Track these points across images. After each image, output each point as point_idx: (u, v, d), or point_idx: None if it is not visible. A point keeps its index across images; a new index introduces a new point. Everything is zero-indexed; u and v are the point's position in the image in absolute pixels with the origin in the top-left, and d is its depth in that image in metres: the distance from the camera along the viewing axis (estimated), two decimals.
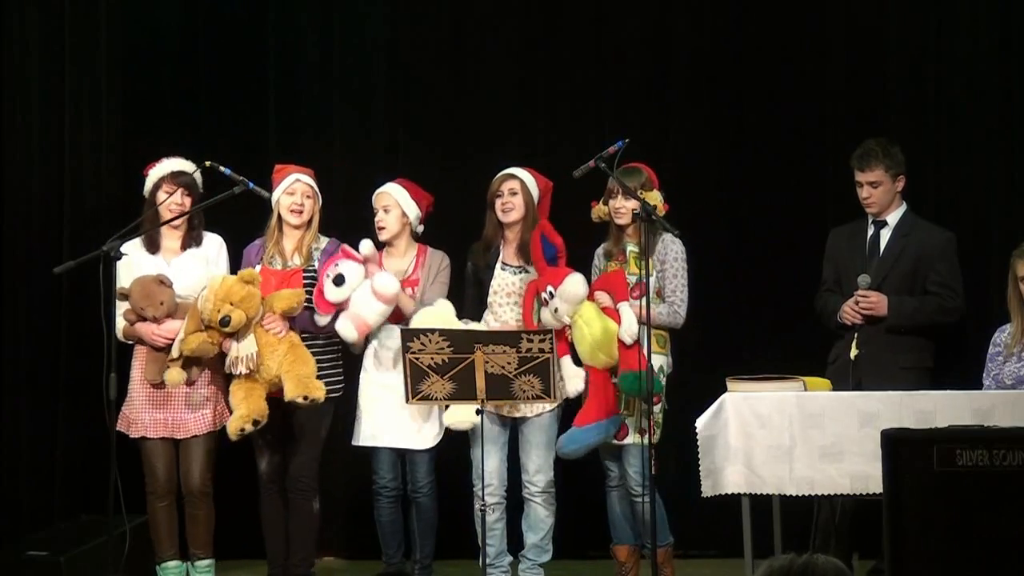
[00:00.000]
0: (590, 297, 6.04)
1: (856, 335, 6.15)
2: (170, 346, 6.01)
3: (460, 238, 6.46)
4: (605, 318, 5.99)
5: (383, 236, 6.30)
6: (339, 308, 6.11)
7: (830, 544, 6.12)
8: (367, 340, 6.24)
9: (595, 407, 6.02)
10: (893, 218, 6.30)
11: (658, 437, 5.98)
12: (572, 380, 6.03)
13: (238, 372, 5.97)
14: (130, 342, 6.16)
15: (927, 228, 6.31)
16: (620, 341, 5.95)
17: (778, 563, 2.97)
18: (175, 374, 5.98)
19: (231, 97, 7.36)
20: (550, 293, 6.01)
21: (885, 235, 6.29)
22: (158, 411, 6.09)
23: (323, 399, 6.00)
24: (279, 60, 7.36)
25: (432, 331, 5.57)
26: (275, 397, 6.03)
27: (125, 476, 5.64)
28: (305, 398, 5.94)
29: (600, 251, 6.33)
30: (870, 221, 6.31)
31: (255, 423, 5.96)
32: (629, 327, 5.95)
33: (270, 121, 7.35)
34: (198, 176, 6.18)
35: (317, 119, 7.38)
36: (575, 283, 6.01)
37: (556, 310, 5.98)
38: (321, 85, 7.38)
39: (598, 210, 6.20)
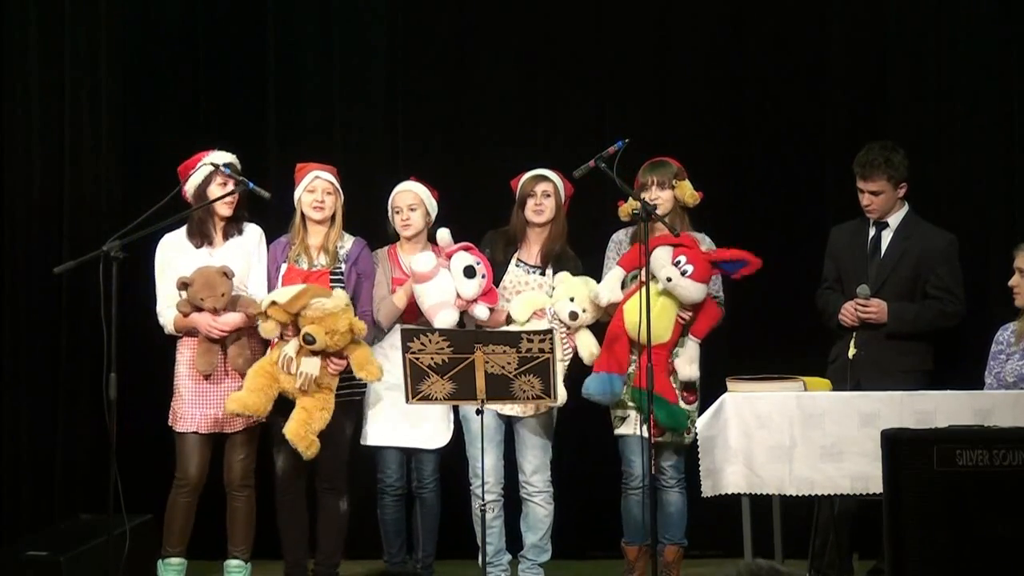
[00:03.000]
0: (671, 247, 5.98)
1: (855, 335, 6.15)
2: (222, 340, 6.04)
3: (459, 237, 6.45)
4: (667, 320, 5.94)
5: (408, 233, 6.29)
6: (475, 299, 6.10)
7: (829, 544, 6.12)
8: (373, 341, 6.25)
9: (622, 356, 5.99)
10: (895, 220, 6.29)
11: (692, 436, 5.96)
12: (614, 286, 6.01)
13: (288, 372, 5.95)
14: (179, 334, 6.15)
15: (928, 230, 6.29)
16: (675, 371, 5.98)
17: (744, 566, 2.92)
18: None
19: (231, 96, 7.36)
20: (682, 271, 5.90)
21: (886, 237, 6.28)
22: (208, 407, 6.10)
23: (306, 456, 6.00)
24: (279, 59, 7.35)
25: (432, 331, 5.57)
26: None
27: (126, 476, 5.63)
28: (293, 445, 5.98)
29: (624, 237, 6.25)
30: (872, 221, 6.30)
31: (249, 418, 6.00)
32: (691, 369, 6.00)
33: (270, 121, 7.35)
34: (238, 165, 6.18)
35: (317, 119, 7.38)
36: (697, 292, 5.94)
37: (669, 279, 5.88)
38: (321, 85, 7.38)
39: (626, 208, 6.12)
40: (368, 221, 6.46)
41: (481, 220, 6.48)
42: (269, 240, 6.31)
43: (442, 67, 7.34)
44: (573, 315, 6.07)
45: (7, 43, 7.29)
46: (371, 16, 7.35)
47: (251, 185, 5.91)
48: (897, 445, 4.76)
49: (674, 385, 6.01)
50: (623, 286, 6.05)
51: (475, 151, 7.21)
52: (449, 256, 6.10)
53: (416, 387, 5.56)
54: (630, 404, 6.05)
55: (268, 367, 6.00)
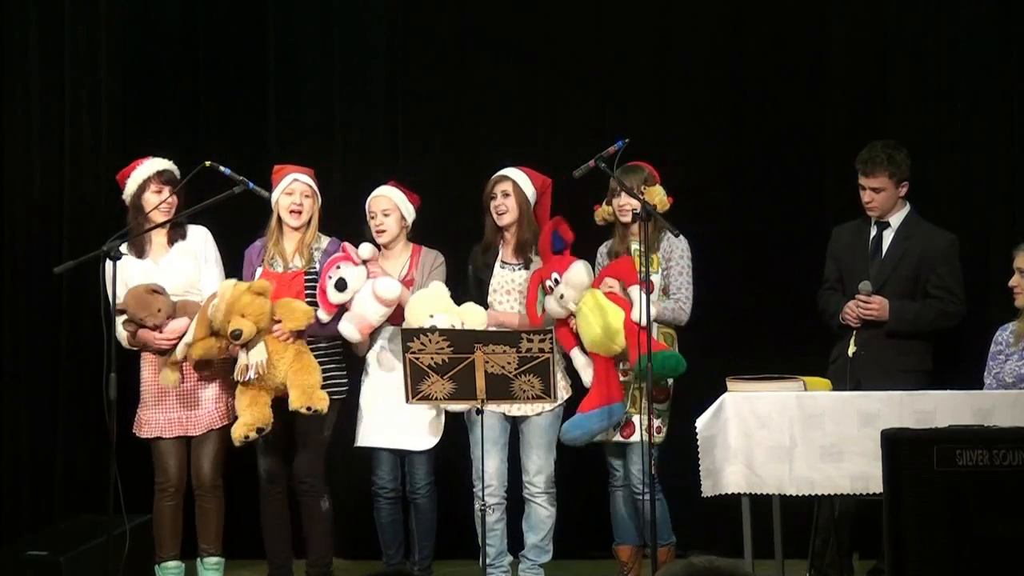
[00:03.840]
0: (597, 283, 6.04)
1: (855, 334, 6.15)
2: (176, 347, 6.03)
3: (461, 238, 6.46)
4: (609, 307, 5.95)
5: (383, 239, 6.29)
6: (341, 308, 6.11)
7: (830, 544, 6.12)
8: (371, 339, 6.25)
9: (598, 393, 6.02)
10: (896, 219, 6.28)
11: (663, 436, 6.03)
12: (586, 371, 6.06)
13: (247, 379, 5.97)
14: (135, 349, 6.17)
15: (929, 230, 6.29)
16: (633, 324, 5.92)
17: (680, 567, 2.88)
18: (170, 375, 6.00)
19: (231, 97, 7.36)
20: (556, 280, 6.02)
21: (887, 236, 6.28)
22: (171, 411, 6.13)
23: (326, 410, 6.00)
24: (279, 60, 7.36)
25: (432, 331, 5.58)
26: (279, 398, 6.03)
27: (126, 476, 5.63)
28: (309, 408, 5.95)
29: (603, 250, 6.34)
30: (873, 221, 6.30)
31: (259, 431, 5.98)
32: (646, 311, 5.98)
33: (270, 121, 7.35)
34: (176, 171, 6.20)
35: (317, 119, 7.38)
36: (580, 270, 6.04)
37: (562, 296, 6.00)
38: (321, 85, 7.38)
39: (601, 212, 6.22)
40: (367, 222, 6.45)
41: (480, 220, 6.47)
42: (245, 243, 6.30)
43: (442, 67, 7.33)
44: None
45: (7, 43, 7.29)
46: (371, 16, 7.35)
47: (251, 185, 5.90)
48: (897, 445, 4.76)
49: (663, 341, 6.06)
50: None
51: (475, 151, 7.21)
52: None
53: (416, 387, 5.57)
54: None
55: (244, 385, 6.01)
